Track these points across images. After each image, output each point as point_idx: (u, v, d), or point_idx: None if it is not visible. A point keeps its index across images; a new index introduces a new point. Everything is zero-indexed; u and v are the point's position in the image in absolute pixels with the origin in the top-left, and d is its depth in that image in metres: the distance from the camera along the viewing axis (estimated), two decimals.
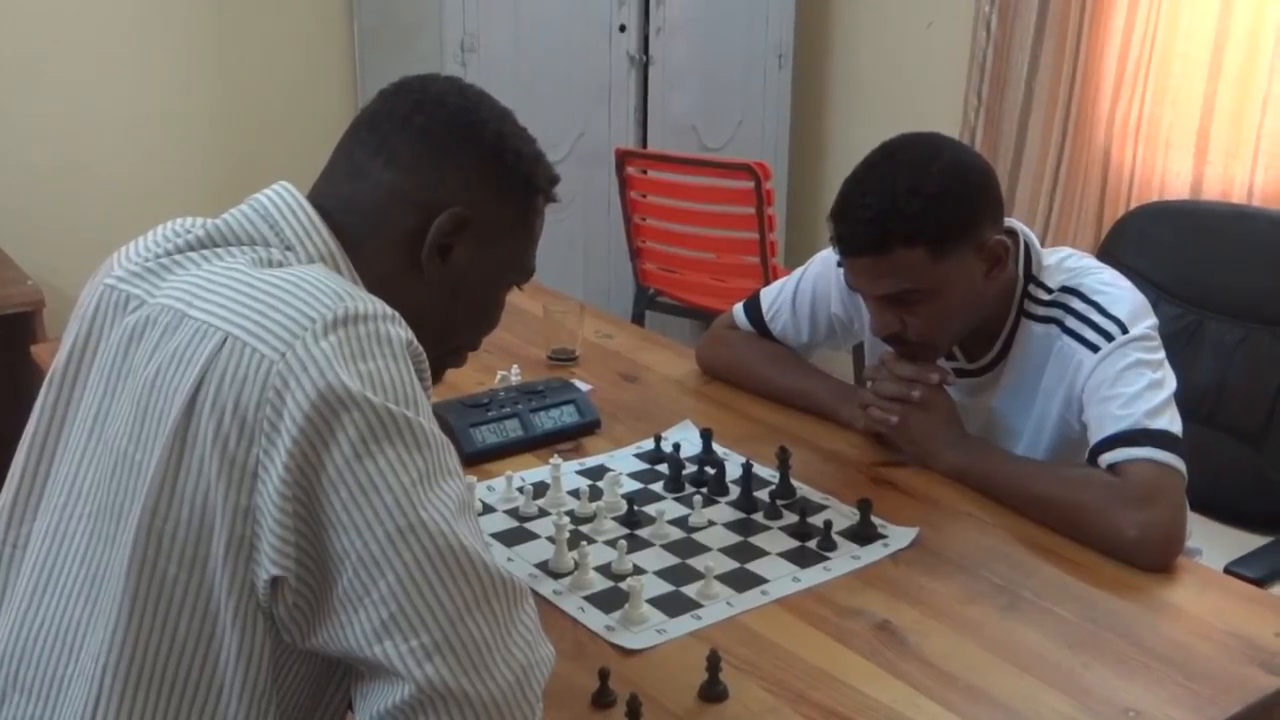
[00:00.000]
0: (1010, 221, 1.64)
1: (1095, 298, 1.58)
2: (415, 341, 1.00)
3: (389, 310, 0.99)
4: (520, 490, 1.54)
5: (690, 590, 1.34)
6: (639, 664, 1.22)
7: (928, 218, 1.50)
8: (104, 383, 1.02)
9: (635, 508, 1.50)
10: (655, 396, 1.89)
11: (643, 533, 1.46)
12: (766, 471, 1.59)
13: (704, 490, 1.56)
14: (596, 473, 1.62)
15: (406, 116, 1.12)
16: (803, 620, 1.30)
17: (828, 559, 1.41)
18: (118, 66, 3.31)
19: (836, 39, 4.14)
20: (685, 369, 1.99)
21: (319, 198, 1.11)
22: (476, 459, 1.63)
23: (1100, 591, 1.36)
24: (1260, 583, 1.59)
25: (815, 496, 1.56)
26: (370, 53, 3.60)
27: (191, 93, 3.44)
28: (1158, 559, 1.40)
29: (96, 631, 0.95)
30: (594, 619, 1.29)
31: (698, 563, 1.39)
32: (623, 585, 1.32)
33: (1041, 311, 1.62)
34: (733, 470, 1.59)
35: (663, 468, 1.62)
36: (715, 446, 1.66)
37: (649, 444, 1.69)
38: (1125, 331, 1.54)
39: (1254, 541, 1.80)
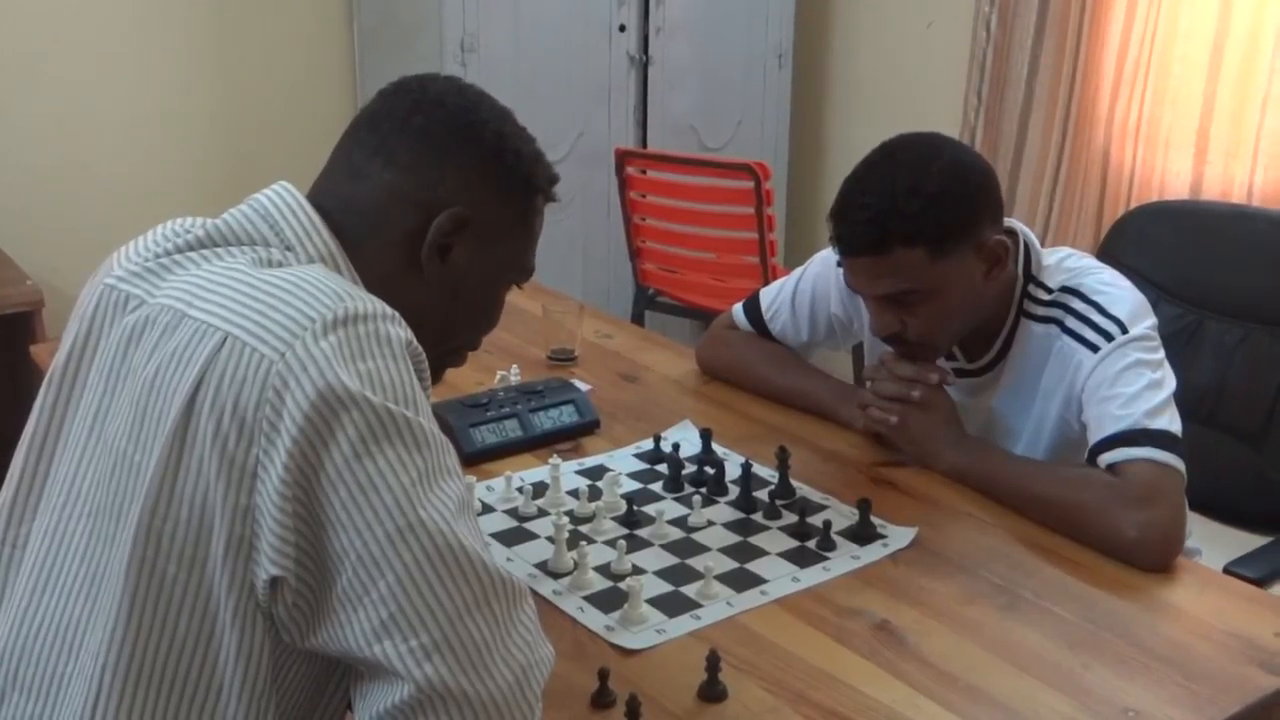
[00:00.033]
0: (1010, 221, 1.64)
1: (1095, 298, 1.58)
2: (415, 341, 1.00)
3: (389, 310, 0.99)
4: (519, 490, 1.54)
5: (690, 590, 1.34)
6: (638, 664, 1.22)
7: (927, 218, 1.50)
8: (103, 382, 1.02)
9: (635, 508, 1.50)
10: (655, 396, 1.89)
11: (642, 533, 1.46)
12: (766, 471, 1.59)
13: (703, 490, 1.56)
14: (596, 473, 1.62)
15: (406, 117, 1.12)
16: (802, 620, 1.30)
17: (827, 559, 1.41)
18: (118, 66, 3.31)
19: (836, 39, 4.14)
20: (685, 369, 1.99)
21: (319, 198, 1.11)
22: (476, 459, 1.63)
23: (1100, 591, 1.36)
24: (1260, 583, 1.59)
25: (815, 496, 1.56)
26: (370, 53, 3.60)
27: (191, 93, 3.44)
28: (1157, 559, 1.40)
29: (96, 630, 0.95)
30: (593, 619, 1.29)
31: (697, 563, 1.39)
32: (622, 585, 1.32)
33: (1041, 311, 1.62)
34: (732, 470, 1.59)
35: (662, 468, 1.62)
36: (715, 446, 1.66)
37: (648, 444, 1.69)
38: (1125, 331, 1.54)
39: (1254, 541, 1.80)
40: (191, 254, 1.06)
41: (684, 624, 1.28)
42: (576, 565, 1.37)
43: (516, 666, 0.92)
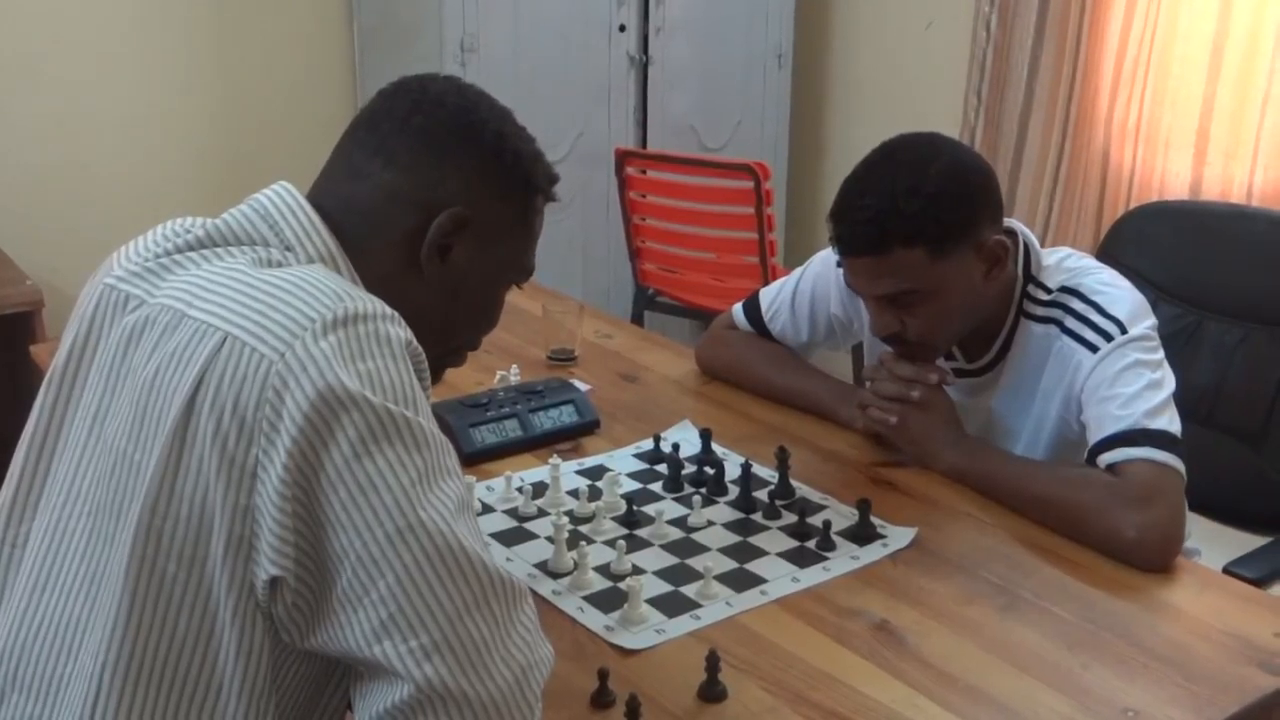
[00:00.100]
0: (1010, 222, 1.64)
1: (1094, 298, 1.58)
2: (415, 341, 1.00)
3: (388, 310, 0.99)
4: (519, 490, 1.54)
5: (689, 590, 1.34)
6: (638, 664, 1.22)
7: (927, 218, 1.50)
8: (103, 382, 1.02)
9: (634, 508, 1.50)
10: (654, 396, 1.89)
11: (642, 533, 1.47)
12: (765, 471, 1.59)
13: (703, 490, 1.56)
14: (595, 473, 1.62)
15: (405, 117, 1.12)
16: (802, 620, 1.30)
17: (827, 559, 1.41)
18: (118, 66, 3.31)
19: (836, 39, 4.14)
20: (684, 369, 1.99)
21: (318, 198, 1.11)
22: (476, 459, 1.63)
23: (1099, 592, 1.36)
24: (1259, 583, 1.59)
25: (814, 496, 1.56)
26: (370, 53, 3.60)
27: (191, 93, 3.44)
28: (1156, 559, 1.40)
29: (96, 629, 0.95)
30: (593, 619, 1.29)
31: (697, 563, 1.39)
32: (622, 585, 1.32)
33: (1041, 312, 1.62)
34: (732, 470, 1.59)
35: (662, 468, 1.62)
36: (714, 446, 1.66)
37: (648, 444, 1.70)
38: (1124, 332, 1.54)
39: (1253, 541, 1.80)
40: (191, 254, 1.06)
41: (684, 624, 1.28)
42: (576, 565, 1.37)
43: (516, 667, 0.92)
